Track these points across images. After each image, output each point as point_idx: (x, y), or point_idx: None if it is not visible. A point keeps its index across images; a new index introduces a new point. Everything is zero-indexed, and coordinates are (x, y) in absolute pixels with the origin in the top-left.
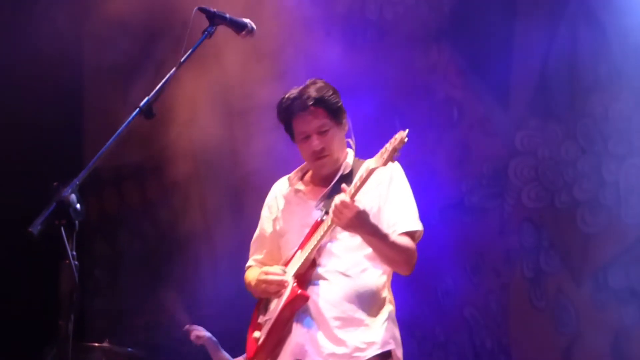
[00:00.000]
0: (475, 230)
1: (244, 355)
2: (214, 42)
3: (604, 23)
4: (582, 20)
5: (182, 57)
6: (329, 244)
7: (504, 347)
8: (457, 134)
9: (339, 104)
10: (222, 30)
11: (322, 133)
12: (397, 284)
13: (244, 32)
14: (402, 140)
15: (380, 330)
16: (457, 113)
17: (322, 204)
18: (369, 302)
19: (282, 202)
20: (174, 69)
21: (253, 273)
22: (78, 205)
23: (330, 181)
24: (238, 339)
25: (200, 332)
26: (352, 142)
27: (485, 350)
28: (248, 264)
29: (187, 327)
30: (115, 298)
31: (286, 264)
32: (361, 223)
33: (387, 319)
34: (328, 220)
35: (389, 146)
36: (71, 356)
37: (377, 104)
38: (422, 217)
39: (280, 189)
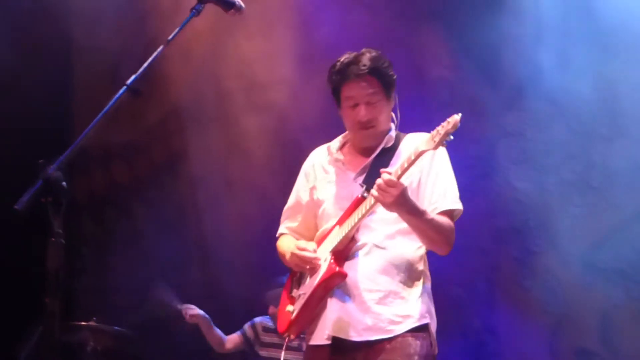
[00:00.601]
0: (464, 210)
1: (238, 334)
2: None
3: (594, 3)
4: (573, 3)
5: (171, 35)
6: (368, 219)
7: (491, 327)
8: (447, 114)
9: (393, 77)
10: (211, 9)
11: (371, 104)
12: None
13: (232, 10)
14: (455, 125)
15: (417, 303)
16: (447, 93)
17: (362, 177)
18: (405, 274)
19: (320, 171)
20: (161, 46)
21: (287, 243)
22: (64, 183)
23: (371, 153)
24: (227, 318)
25: (194, 310)
26: (394, 116)
27: (472, 330)
28: (280, 231)
29: (181, 306)
30: (103, 277)
31: (322, 237)
32: (405, 202)
33: (423, 292)
34: (370, 199)
35: (441, 129)
36: (58, 334)
37: None
38: None
39: (318, 158)
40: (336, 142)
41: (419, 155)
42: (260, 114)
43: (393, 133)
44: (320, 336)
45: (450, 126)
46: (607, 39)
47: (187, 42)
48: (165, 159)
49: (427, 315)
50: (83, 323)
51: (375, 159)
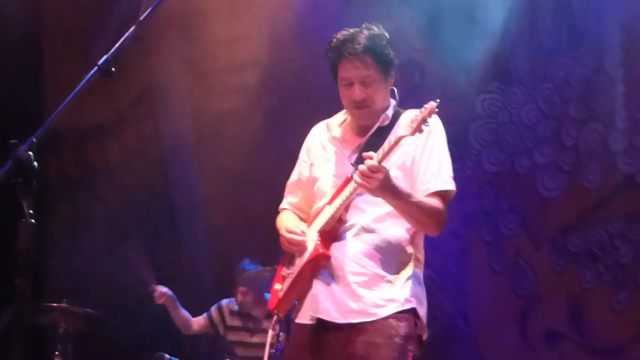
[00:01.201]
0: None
1: (204, 315)
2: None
3: None
4: None
5: (142, 15)
6: (357, 199)
7: (462, 310)
8: (418, 98)
9: (391, 56)
10: None
11: (366, 83)
12: None
13: None
14: (432, 110)
15: (403, 288)
16: (418, 76)
17: (355, 156)
18: (392, 258)
19: (319, 148)
20: (133, 27)
21: (284, 219)
22: (35, 164)
23: (367, 132)
24: (197, 300)
25: (162, 289)
26: (396, 91)
27: (443, 313)
28: (282, 206)
29: (152, 286)
30: (74, 259)
31: (315, 215)
32: (389, 186)
33: (411, 277)
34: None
35: (418, 115)
36: (29, 315)
37: None
38: None
39: (319, 134)
40: (335, 119)
41: (397, 140)
42: (232, 95)
43: (391, 111)
44: (305, 315)
45: (427, 112)
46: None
47: (159, 23)
48: (136, 141)
49: (413, 299)
50: (54, 305)
51: (369, 138)
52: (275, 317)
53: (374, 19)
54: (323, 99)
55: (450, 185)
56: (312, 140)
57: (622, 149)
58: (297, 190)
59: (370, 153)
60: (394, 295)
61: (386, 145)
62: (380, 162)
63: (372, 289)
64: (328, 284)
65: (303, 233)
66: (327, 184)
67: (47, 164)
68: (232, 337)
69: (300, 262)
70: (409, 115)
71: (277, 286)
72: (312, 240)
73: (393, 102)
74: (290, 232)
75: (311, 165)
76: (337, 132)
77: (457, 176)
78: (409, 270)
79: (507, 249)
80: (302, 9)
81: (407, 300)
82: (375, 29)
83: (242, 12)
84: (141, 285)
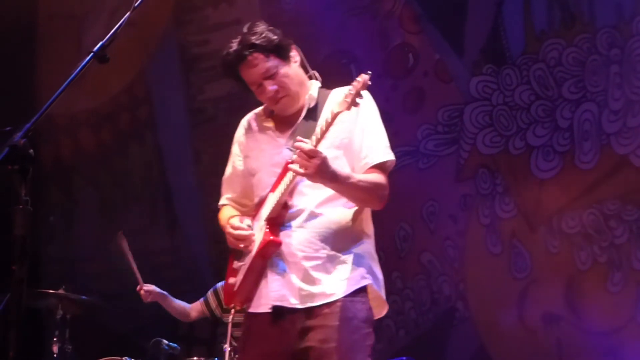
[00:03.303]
0: (432, 176)
1: (201, 300)
2: None
3: None
4: None
5: (136, 1)
6: (299, 184)
7: (461, 293)
8: (412, 81)
9: (276, 41)
10: None
11: (270, 77)
12: None
13: None
14: (364, 84)
15: (357, 265)
16: (412, 59)
17: (292, 142)
18: (342, 238)
19: (251, 139)
20: (127, 13)
21: (226, 216)
22: (31, 151)
23: (297, 117)
24: (194, 286)
25: (149, 287)
26: (316, 74)
27: (442, 296)
28: (221, 202)
29: (138, 287)
30: (70, 245)
31: (260, 205)
32: (327, 171)
33: (363, 252)
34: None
35: (352, 89)
36: (26, 302)
37: (332, 50)
38: None
39: (248, 125)
40: (265, 109)
41: (334, 117)
42: (225, 80)
43: (315, 91)
44: (259, 304)
45: (360, 85)
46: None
47: (153, 8)
48: (131, 127)
49: (367, 276)
50: (51, 291)
51: (302, 121)
52: (232, 311)
53: (366, 3)
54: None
55: (388, 156)
56: (243, 133)
57: (617, 130)
58: (234, 184)
59: (304, 140)
60: (348, 274)
61: (324, 124)
62: (319, 141)
63: (327, 271)
64: (282, 271)
65: (249, 227)
66: (266, 174)
67: (43, 150)
68: (230, 318)
69: (251, 252)
70: (341, 92)
71: (231, 280)
72: (260, 229)
73: (316, 83)
74: (235, 228)
75: (245, 157)
76: (269, 121)
77: (454, 159)
78: (360, 247)
79: (503, 231)
80: None
81: (362, 277)
82: (251, 25)
83: None
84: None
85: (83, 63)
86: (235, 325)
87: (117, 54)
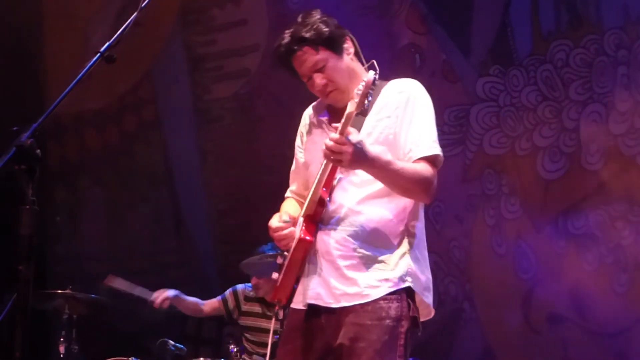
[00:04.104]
0: (437, 177)
1: (219, 298)
2: None
3: None
4: None
5: (143, 1)
6: (344, 180)
7: (467, 294)
8: (419, 81)
9: (327, 33)
10: None
11: (319, 70)
12: None
13: None
14: (368, 85)
15: (397, 266)
16: (419, 60)
17: None
18: (381, 237)
19: (308, 132)
20: (135, 13)
21: (284, 206)
22: (38, 151)
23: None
24: (200, 284)
25: (163, 294)
26: (374, 63)
27: (449, 297)
28: (286, 194)
29: (151, 299)
30: (76, 245)
31: (304, 200)
32: (364, 156)
33: (405, 253)
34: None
35: (358, 92)
36: (32, 302)
37: None
38: None
39: (308, 117)
40: (322, 101)
41: (349, 117)
42: (232, 81)
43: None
44: (298, 300)
45: (365, 87)
46: (577, 2)
47: (159, 9)
48: (137, 127)
49: (407, 278)
50: (58, 291)
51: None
52: (277, 306)
53: (373, 4)
54: None
55: (434, 150)
56: (303, 124)
57: (623, 131)
58: (296, 176)
59: (332, 126)
60: (387, 275)
61: (341, 123)
62: (341, 134)
63: (364, 271)
64: (320, 269)
65: (287, 224)
66: (316, 167)
67: (49, 149)
68: (247, 322)
69: (291, 249)
70: (398, 84)
71: (274, 275)
72: (299, 225)
73: (372, 74)
74: (273, 229)
75: (304, 150)
76: (324, 113)
77: (460, 160)
78: (402, 248)
79: (509, 232)
80: None
81: (401, 280)
82: (305, 17)
83: None
84: (142, 304)
85: (90, 63)
86: (249, 328)
87: (124, 54)
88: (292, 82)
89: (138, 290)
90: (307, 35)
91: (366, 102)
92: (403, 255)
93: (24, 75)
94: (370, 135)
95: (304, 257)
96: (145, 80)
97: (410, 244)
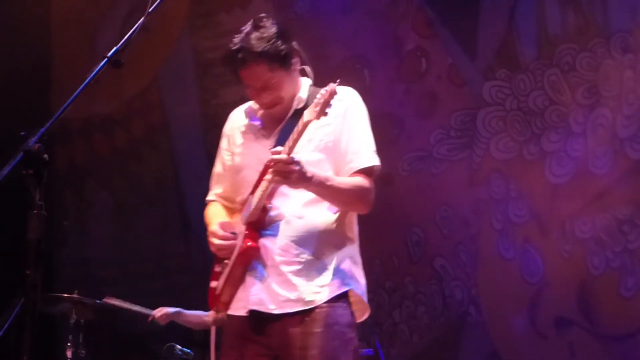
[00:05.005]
0: (445, 181)
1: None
2: None
3: None
4: None
5: (150, 6)
6: (282, 186)
7: (473, 298)
8: (425, 85)
9: (284, 51)
10: None
11: (269, 86)
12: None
13: None
14: (331, 93)
15: (338, 270)
16: (425, 63)
17: (277, 140)
18: (323, 243)
19: (238, 135)
20: (142, 18)
21: (212, 213)
22: (45, 156)
23: (285, 115)
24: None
25: (162, 311)
26: (308, 70)
27: (454, 301)
28: (208, 197)
29: (151, 317)
30: (84, 249)
31: (242, 206)
32: (305, 176)
33: (345, 257)
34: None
35: (320, 98)
36: (40, 306)
37: (346, 55)
38: (392, 169)
39: (237, 120)
40: (253, 104)
41: (305, 125)
42: (238, 85)
43: (305, 92)
44: (237, 307)
45: (327, 95)
46: (584, 5)
47: (167, 14)
48: (145, 131)
49: (349, 281)
50: (65, 295)
51: (287, 123)
52: (217, 314)
53: (379, 8)
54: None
55: (373, 161)
56: (231, 127)
57: (630, 135)
58: (222, 180)
59: (278, 148)
60: (329, 279)
61: (295, 133)
62: (290, 152)
63: (307, 277)
64: (262, 275)
65: (232, 235)
66: (251, 173)
67: (56, 154)
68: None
69: (232, 256)
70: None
71: (213, 284)
72: (241, 233)
73: (307, 81)
74: (219, 237)
75: (232, 153)
76: (256, 118)
77: (467, 164)
78: (342, 252)
79: (516, 236)
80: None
81: (342, 283)
82: (262, 29)
83: (247, 1)
84: (142, 321)
85: (97, 68)
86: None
87: (131, 59)
88: None
89: (137, 308)
90: (264, 50)
91: (327, 110)
92: (344, 259)
93: (32, 80)
94: (311, 141)
95: (248, 264)
96: (153, 84)
97: (350, 248)
